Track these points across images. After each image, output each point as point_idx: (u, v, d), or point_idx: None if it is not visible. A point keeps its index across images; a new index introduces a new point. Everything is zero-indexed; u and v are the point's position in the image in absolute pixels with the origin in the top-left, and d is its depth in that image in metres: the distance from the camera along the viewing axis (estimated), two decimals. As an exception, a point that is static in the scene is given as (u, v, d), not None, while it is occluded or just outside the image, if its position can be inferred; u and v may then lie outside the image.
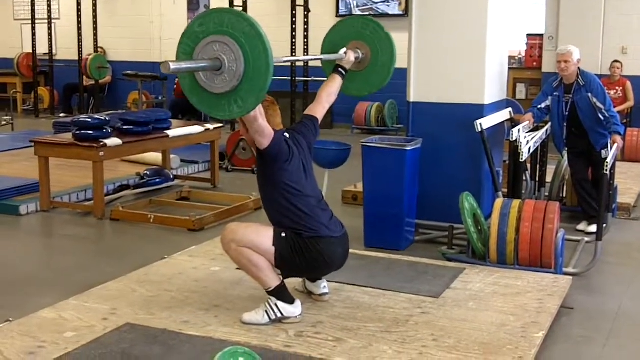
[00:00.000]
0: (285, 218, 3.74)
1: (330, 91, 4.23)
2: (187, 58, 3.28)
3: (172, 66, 3.06)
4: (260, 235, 3.71)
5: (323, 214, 3.81)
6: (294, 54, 11.56)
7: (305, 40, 11.59)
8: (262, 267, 3.71)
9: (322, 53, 4.40)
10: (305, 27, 11.58)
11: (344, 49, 4.29)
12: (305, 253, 3.71)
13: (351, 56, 4.28)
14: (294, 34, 11.47)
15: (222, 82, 3.22)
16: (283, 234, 3.71)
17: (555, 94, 6.09)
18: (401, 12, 12.04)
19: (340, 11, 12.61)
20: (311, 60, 4.13)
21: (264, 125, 3.60)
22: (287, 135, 3.84)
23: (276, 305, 3.73)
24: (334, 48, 4.34)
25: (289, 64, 11.50)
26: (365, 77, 4.40)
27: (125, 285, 4.32)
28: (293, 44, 11.52)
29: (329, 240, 3.76)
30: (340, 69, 4.27)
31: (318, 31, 12.40)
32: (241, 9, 11.60)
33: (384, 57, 4.35)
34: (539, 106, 6.14)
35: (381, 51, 4.36)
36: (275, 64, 3.23)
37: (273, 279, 3.75)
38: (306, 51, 11.63)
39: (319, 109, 4.16)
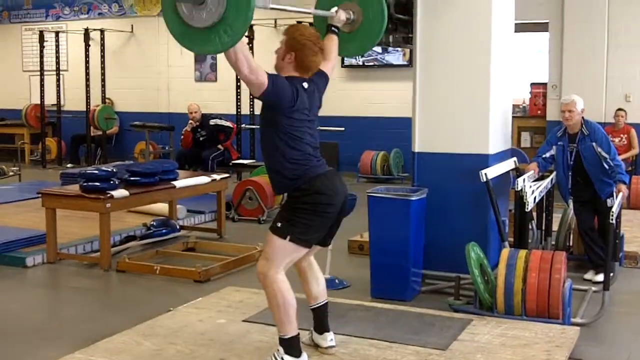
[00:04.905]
0: (278, 163, 3.76)
1: (329, 49, 4.18)
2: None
3: None
4: (276, 248, 3.73)
5: (315, 160, 3.83)
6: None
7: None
8: (289, 311, 3.71)
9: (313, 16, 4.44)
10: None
11: (335, 8, 4.34)
12: (307, 202, 3.73)
13: (342, 15, 4.32)
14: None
15: (208, 14, 3.24)
16: (278, 224, 3.74)
17: (559, 143, 6.11)
18: (405, 63, 12.15)
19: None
20: (302, 12, 4.16)
21: (255, 65, 3.57)
22: (305, 85, 3.84)
23: (282, 359, 3.71)
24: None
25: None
26: (363, 32, 4.43)
27: (131, 338, 4.30)
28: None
29: (324, 175, 3.80)
30: (333, 28, 4.30)
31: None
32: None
33: (374, 5, 4.40)
34: (544, 155, 6.16)
35: (370, 1, 4.41)
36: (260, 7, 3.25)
37: (292, 328, 3.75)
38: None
39: (326, 65, 4.10)
